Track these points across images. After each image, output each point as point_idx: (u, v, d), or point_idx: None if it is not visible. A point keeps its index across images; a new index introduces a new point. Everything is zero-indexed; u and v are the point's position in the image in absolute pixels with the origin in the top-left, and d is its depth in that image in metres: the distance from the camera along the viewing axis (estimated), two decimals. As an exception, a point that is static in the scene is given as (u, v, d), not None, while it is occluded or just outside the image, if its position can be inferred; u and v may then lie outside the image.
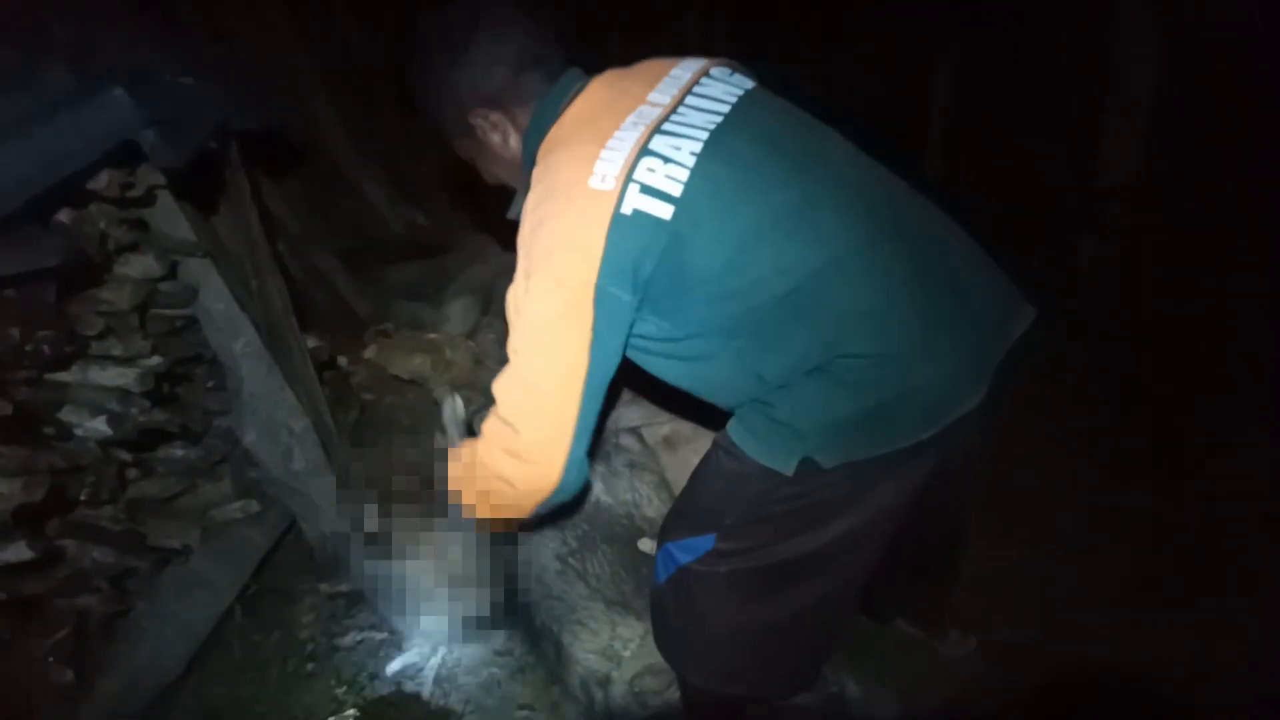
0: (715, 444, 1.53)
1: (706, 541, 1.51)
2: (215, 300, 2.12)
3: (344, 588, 2.34)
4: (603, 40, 5.17)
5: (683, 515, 1.61)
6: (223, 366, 2.19)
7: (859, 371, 1.31)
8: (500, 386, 1.42)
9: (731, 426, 1.47)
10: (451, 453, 1.61)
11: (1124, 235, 3.81)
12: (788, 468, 1.36)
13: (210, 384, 2.25)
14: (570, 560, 2.12)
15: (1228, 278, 3.39)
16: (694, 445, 2.46)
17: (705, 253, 1.30)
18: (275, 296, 2.49)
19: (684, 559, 1.55)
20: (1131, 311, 3.56)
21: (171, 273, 2.02)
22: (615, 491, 2.29)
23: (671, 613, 1.64)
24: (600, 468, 2.34)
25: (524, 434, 1.38)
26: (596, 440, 2.43)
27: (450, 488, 1.57)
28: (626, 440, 2.44)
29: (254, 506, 2.31)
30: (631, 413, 2.57)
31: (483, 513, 1.56)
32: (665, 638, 1.73)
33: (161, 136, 1.68)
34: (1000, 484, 2.32)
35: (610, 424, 2.52)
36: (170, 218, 2.00)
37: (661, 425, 2.51)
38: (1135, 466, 2.79)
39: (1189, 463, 2.79)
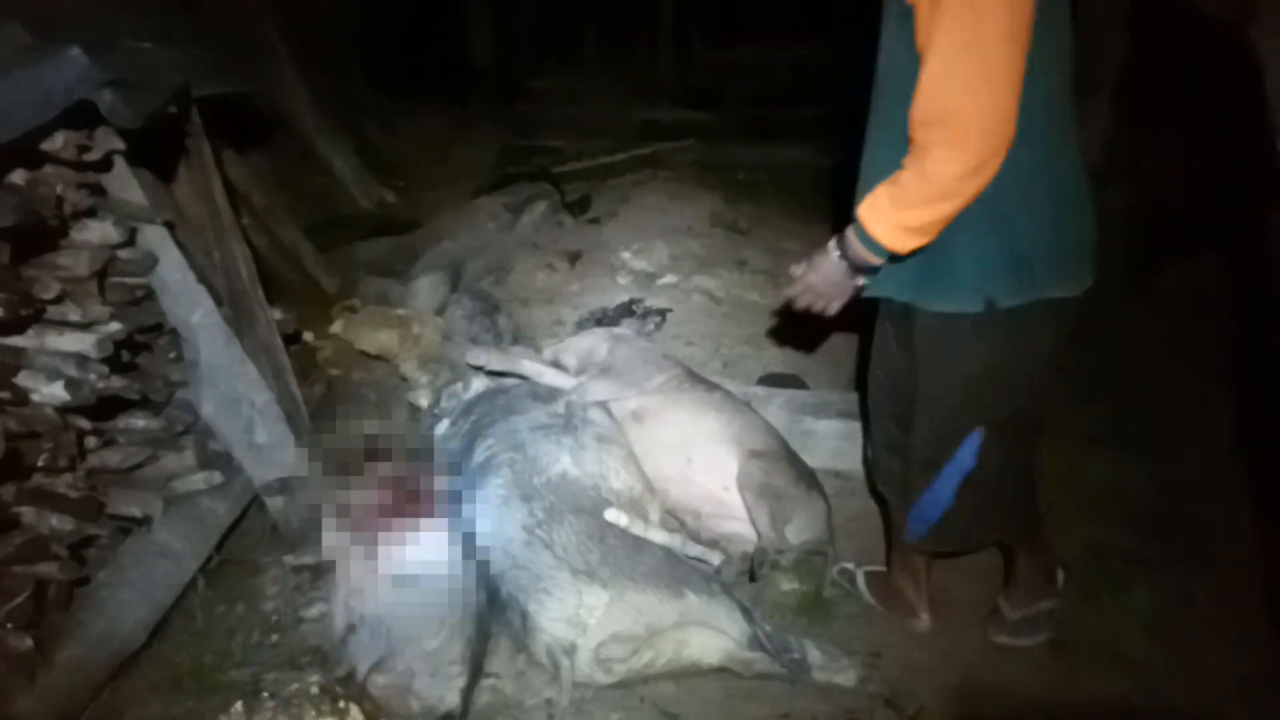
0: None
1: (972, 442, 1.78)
2: (172, 270, 2.09)
3: (309, 560, 2.32)
4: None
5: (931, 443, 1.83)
6: (180, 337, 2.17)
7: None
8: (929, 92, 1.45)
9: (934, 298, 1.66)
10: (867, 204, 1.61)
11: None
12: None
13: (172, 354, 2.22)
14: (537, 531, 2.12)
15: (1190, 257, 3.43)
16: (660, 419, 2.47)
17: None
18: (240, 267, 2.46)
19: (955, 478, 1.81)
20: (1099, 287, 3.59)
21: (131, 240, 1.99)
22: (583, 464, 2.29)
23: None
24: (568, 440, 2.34)
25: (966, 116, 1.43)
26: (569, 416, 2.44)
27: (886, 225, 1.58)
28: (594, 414, 2.45)
29: (217, 478, 2.28)
30: (599, 387, 2.58)
31: (921, 238, 1.58)
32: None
33: (119, 97, 1.65)
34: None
35: (577, 398, 2.53)
36: (127, 184, 1.97)
37: (629, 400, 2.52)
38: (1100, 439, 2.82)
39: (1149, 438, 2.83)
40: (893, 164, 1.55)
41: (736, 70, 6.15)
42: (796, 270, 1.81)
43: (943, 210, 1.51)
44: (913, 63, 1.47)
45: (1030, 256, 1.60)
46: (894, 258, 1.63)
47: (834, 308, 1.78)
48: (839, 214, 1.80)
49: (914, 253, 1.60)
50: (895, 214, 1.55)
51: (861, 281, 1.73)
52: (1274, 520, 2.37)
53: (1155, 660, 2.09)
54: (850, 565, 2.33)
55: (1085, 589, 2.25)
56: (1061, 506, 2.53)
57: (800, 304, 1.82)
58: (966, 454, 1.80)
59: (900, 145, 1.54)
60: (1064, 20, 1.54)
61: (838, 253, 1.68)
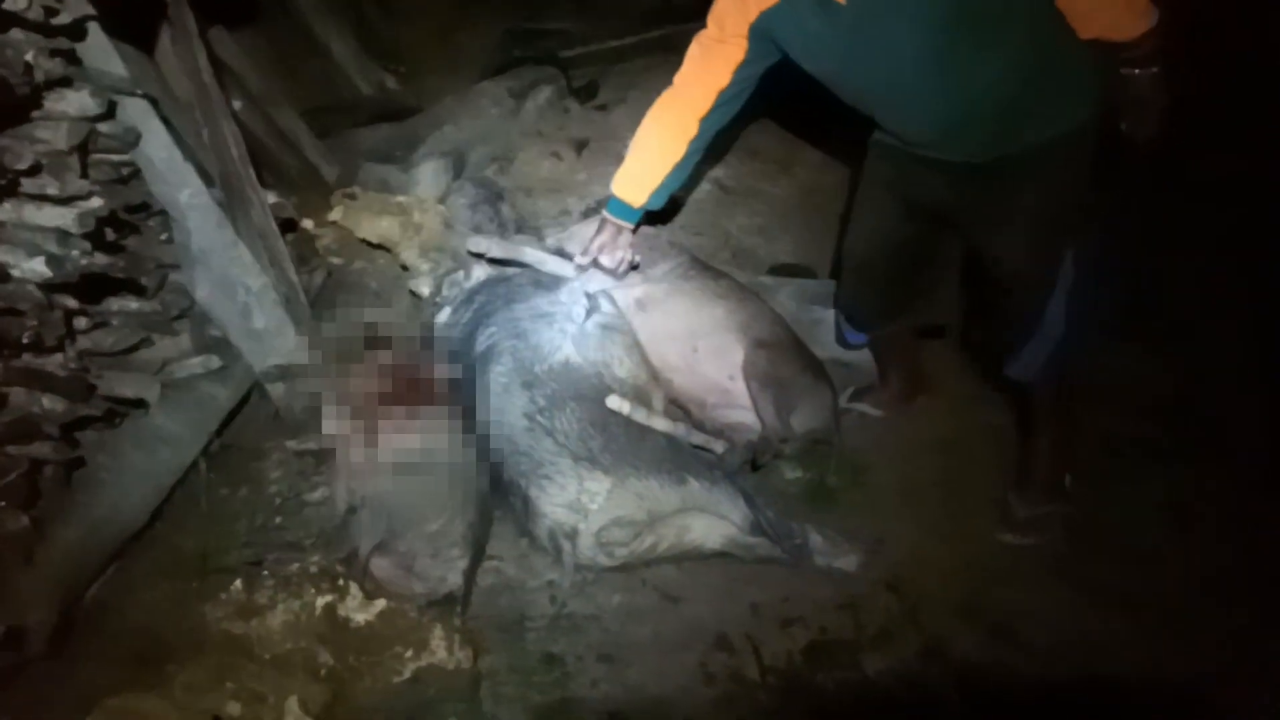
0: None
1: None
2: (158, 148, 2.01)
3: (312, 445, 2.31)
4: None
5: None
6: (171, 219, 2.10)
7: None
8: None
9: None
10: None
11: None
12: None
13: (163, 236, 2.16)
14: (538, 418, 2.10)
15: (1221, 147, 3.29)
16: (665, 307, 2.41)
17: None
18: (230, 147, 2.37)
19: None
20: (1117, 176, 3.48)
21: (111, 113, 1.90)
22: (585, 351, 2.24)
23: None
24: (570, 328, 2.29)
25: None
26: (572, 305, 2.39)
27: None
28: (599, 301, 2.38)
29: (215, 362, 2.25)
30: (603, 275, 2.51)
31: None
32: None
33: (86, -47, 1.54)
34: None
35: (580, 285, 2.46)
36: (105, 53, 1.87)
37: (634, 287, 2.45)
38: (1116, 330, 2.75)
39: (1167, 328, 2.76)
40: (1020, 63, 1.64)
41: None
42: (1129, 125, 1.78)
43: None
44: None
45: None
46: (981, 115, 1.71)
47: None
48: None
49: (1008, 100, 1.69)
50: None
51: None
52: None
53: (1165, 551, 2.07)
54: (844, 403, 2.43)
55: (1098, 479, 2.22)
56: (1077, 398, 2.49)
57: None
58: (1069, 270, 1.90)
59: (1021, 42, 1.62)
60: None
61: (1151, 68, 1.69)
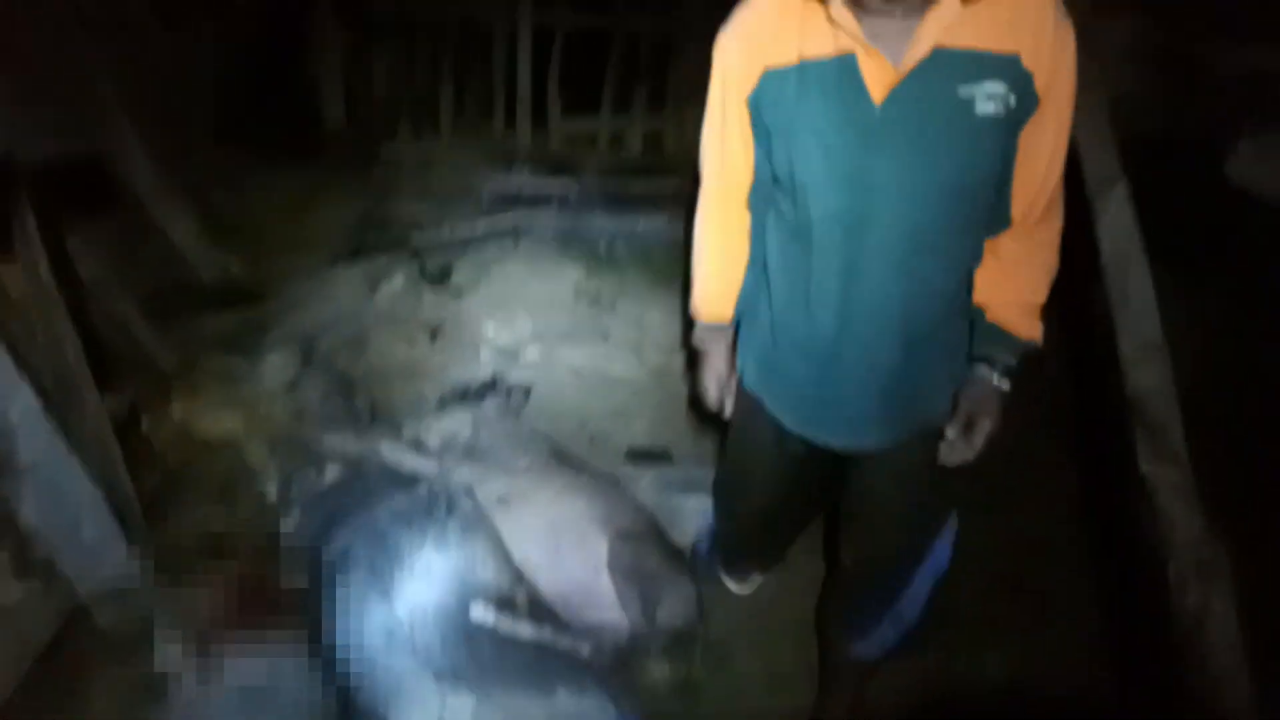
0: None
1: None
2: (-13, 361, 1.89)
3: (141, 672, 2.11)
4: None
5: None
6: (-5, 432, 1.95)
7: None
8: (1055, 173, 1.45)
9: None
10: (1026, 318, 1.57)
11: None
12: None
13: (-20, 452, 1.99)
14: (398, 632, 2.01)
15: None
16: (527, 503, 2.41)
17: None
18: (67, 349, 2.25)
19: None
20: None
21: (-67, 328, 1.79)
22: (447, 554, 2.20)
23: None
24: (432, 530, 2.24)
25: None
26: (432, 503, 2.35)
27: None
28: (460, 500, 2.36)
29: (37, 586, 2.05)
30: (464, 471, 2.50)
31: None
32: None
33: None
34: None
35: (440, 483, 2.44)
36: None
37: (495, 483, 2.45)
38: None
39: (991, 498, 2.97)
40: (953, 282, 1.51)
41: (594, 141, 6.24)
42: (956, 434, 1.61)
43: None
44: (1000, 162, 1.39)
45: None
46: (884, 400, 1.59)
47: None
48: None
49: (905, 388, 1.58)
50: (1037, 305, 1.57)
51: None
52: (1108, 577, 2.52)
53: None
54: None
55: (938, 651, 2.32)
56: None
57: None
58: (945, 545, 1.91)
59: (957, 260, 1.50)
60: None
61: (1005, 385, 1.58)
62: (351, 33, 5.83)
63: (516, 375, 3.23)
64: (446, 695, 1.91)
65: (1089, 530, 2.72)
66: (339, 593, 2.12)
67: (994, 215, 1.47)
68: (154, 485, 2.54)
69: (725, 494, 2.19)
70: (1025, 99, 1.31)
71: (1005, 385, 1.58)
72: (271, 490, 2.59)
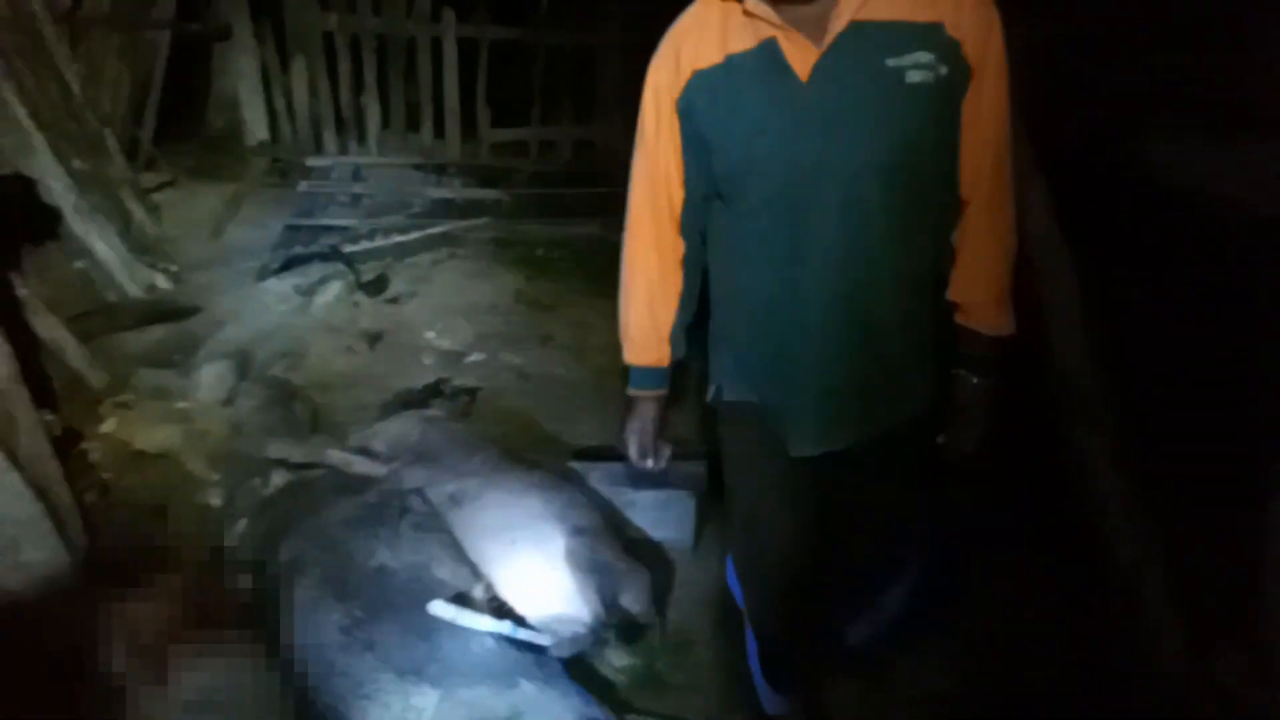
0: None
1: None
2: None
3: (94, 684, 2.04)
4: None
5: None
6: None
7: None
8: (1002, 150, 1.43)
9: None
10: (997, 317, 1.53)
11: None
12: None
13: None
14: (355, 632, 1.99)
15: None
16: (480, 502, 2.41)
17: None
18: (1, 367, 2.19)
19: None
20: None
21: None
22: (401, 555, 2.18)
23: None
24: (384, 532, 2.23)
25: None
26: (382, 506, 2.33)
27: None
28: (411, 501, 2.35)
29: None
30: (414, 473, 2.49)
31: None
32: None
33: None
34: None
35: (390, 485, 2.42)
36: None
37: (447, 484, 2.44)
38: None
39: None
40: (910, 267, 1.46)
41: (525, 150, 6.27)
42: (945, 437, 1.59)
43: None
44: (944, 135, 1.39)
45: None
46: (858, 399, 1.52)
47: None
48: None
49: (869, 381, 1.51)
50: (1004, 295, 1.52)
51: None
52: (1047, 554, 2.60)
53: None
54: None
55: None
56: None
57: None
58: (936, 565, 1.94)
59: (912, 245, 1.44)
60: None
61: (987, 382, 1.54)
62: (270, 49, 5.77)
63: (461, 379, 3.23)
64: (409, 692, 1.89)
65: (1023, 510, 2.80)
66: (293, 597, 2.09)
67: (942, 195, 1.45)
68: (93, 501, 2.46)
69: (746, 542, 1.85)
70: (956, 69, 1.32)
71: (987, 382, 1.53)
72: (214, 501, 2.53)
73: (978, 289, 1.51)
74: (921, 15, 1.31)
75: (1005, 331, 1.53)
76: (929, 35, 1.31)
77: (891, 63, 1.30)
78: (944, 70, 1.31)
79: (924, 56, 1.30)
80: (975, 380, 1.53)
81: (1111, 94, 3.35)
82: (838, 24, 1.29)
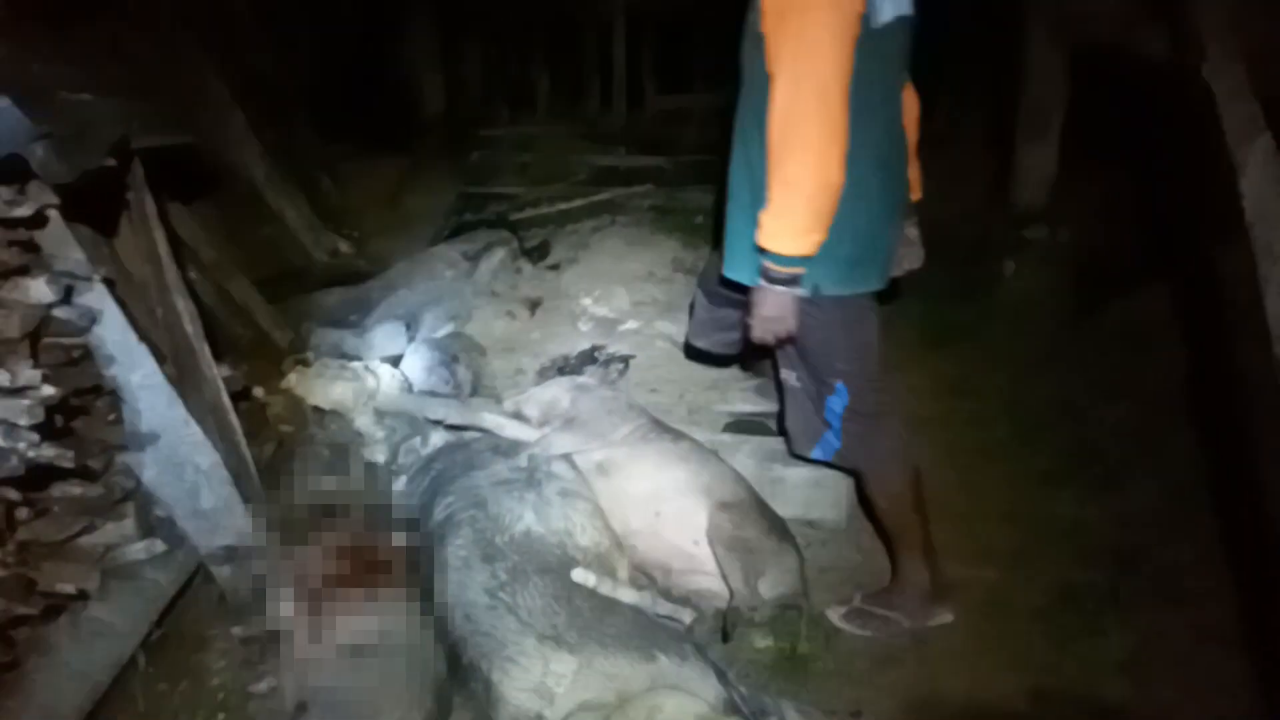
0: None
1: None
2: (112, 330, 1.99)
3: (258, 632, 2.20)
4: None
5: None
6: (120, 399, 2.06)
7: None
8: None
9: None
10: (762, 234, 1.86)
11: (1040, 256, 3.92)
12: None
13: (111, 417, 2.11)
14: (500, 594, 2.03)
15: (1135, 294, 3.46)
16: (626, 471, 2.40)
17: None
18: (184, 324, 2.36)
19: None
20: (1048, 326, 3.63)
21: (67, 298, 1.89)
22: (547, 520, 2.21)
23: None
24: (531, 496, 2.26)
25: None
26: (531, 471, 2.37)
27: None
28: (558, 467, 2.37)
29: (159, 546, 2.16)
30: (563, 439, 2.51)
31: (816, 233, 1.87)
32: None
33: (52, 151, 1.56)
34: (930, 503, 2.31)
35: (540, 450, 2.45)
36: (63, 240, 1.87)
37: (594, 452, 2.45)
38: (1058, 479, 2.80)
39: (1108, 474, 2.82)
40: (749, 173, 1.94)
41: (689, 117, 6.19)
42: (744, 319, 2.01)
43: (816, 206, 1.78)
44: (767, 83, 1.77)
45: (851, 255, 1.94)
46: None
47: (792, 324, 1.95)
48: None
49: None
50: (784, 224, 1.81)
51: (800, 291, 1.91)
52: (1238, 554, 2.35)
53: (1131, 705, 2.04)
54: (829, 612, 2.30)
55: (1059, 632, 2.22)
56: (1027, 549, 2.51)
57: (766, 338, 2.00)
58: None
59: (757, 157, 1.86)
60: (891, 61, 1.91)
61: (764, 282, 1.89)
62: (447, 25, 5.96)
63: (615, 347, 3.23)
64: (549, 658, 1.91)
65: (1215, 505, 2.54)
66: (444, 555, 2.15)
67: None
68: (268, 452, 2.63)
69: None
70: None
71: (764, 285, 1.89)
72: (379, 457, 2.65)
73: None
74: None
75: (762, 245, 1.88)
76: None
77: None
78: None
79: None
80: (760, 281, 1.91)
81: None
82: None
